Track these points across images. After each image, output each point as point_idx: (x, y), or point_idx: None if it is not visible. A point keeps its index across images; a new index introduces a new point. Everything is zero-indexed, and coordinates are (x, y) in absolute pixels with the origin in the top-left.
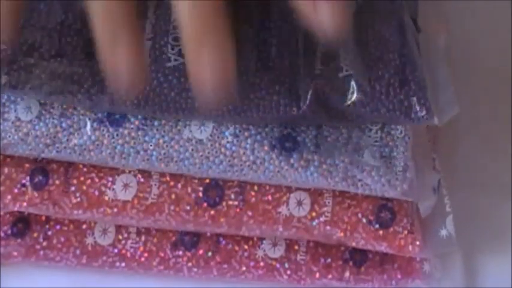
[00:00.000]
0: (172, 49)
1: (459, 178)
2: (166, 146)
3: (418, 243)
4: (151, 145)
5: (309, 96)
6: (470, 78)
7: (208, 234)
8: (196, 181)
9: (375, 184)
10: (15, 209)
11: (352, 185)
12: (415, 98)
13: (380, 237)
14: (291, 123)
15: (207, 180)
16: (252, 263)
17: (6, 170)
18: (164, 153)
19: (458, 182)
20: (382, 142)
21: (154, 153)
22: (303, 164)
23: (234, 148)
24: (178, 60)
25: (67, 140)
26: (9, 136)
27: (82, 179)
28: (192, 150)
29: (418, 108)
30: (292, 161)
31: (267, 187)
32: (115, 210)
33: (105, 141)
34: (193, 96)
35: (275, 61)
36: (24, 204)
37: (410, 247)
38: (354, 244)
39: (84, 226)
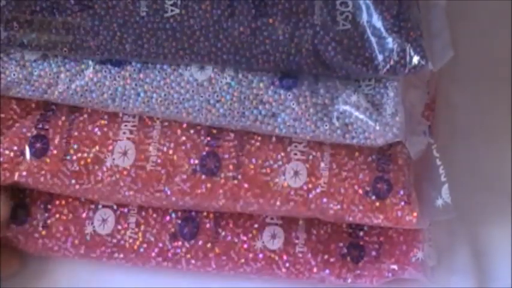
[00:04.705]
0: None
1: (459, 178)
2: (167, 87)
3: (415, 214)
4: (152, 87)
5: (307, 47)
6: (470, 78)
7: (208, 225)
8: (194, 151)
9: (369, 130)
10: (15, 178)
11: (346, 133)
12: (411, 47)
13: (377, 208)
14: (287, 68)
15: (204, 152)
16: (251, 255)
17: (4, 138)
18: (165, 95)
19: (458, 182)
20: (374, 90)
21: (154, 95)
22: (301, 100)
23: (234, 87)
24: (174, 11)
25: (69, 80)
26: (14, 74)
27: (81, 147)
28: (193, 92)
29: (412, 55)
30: (291, 96)
31: (264, 157)
32: (113, 178)
33: (107, 83)
34: (189, 44)
35: (273, 8)
36: (23, 173)
37: (407, 218)
38: (350, 219)
39: (83, 215)
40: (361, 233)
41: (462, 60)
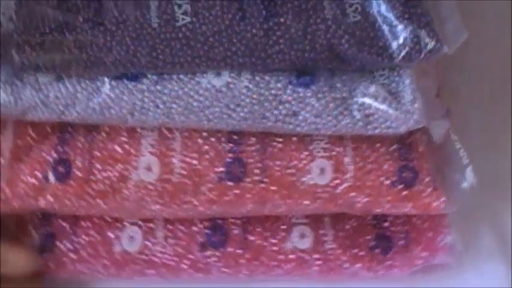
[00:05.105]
0: (180, 8)
1: None
2: (186, 96)
3: (442, 199)
4: (170, 97)
5: (321, 42)
6: (471, 78)
7: (236, 231)
8: (218, 158)
9: (390, 119)
10: (40, 205)
11: (368, 124)
12: (423, 31)
13: (405, 197)
14: (303, 65)
15: (228, 159)
16: (281, 257)
17: (25, 165)
18: (184, 105)
19: None
20: (389, 80)
21: (173, 105)
22: (320, 96)
23: (253, 90)
24: (185, 20)
25: (87, 99)
26: (30, 99)
27: (104, 167)
28: (212, 98)
29: (427, 40)
30: (310, 93)
31: (288, 158)
32: (139, 194)
33: (125, 98)
34: (204, 51)
35: (283, 7)
36: (49, 199)
37: (435, 204)
38: (379, 210)
39: (111, 235)
40: (386, 224)
41: (462, 60)
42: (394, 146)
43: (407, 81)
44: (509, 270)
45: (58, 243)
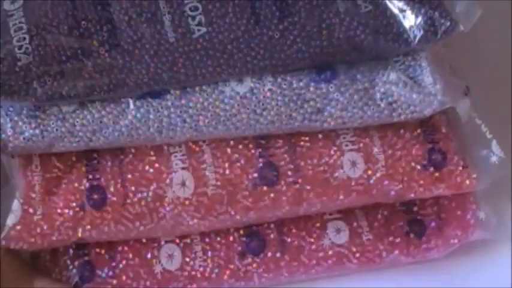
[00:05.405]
0: (194, 19)
1: None
2: (212, 107)
3: (474, 175)
4: (196, 110)
5: (337, 36)
6: (470, 78)
7: (273, 236)
8: (250, 165)
9: (414, 103)
10: (79, 235)
11: (393, 112)
12: (436, 13)
13: (437, 179)
14: (322, 61)
15: (260, 164)
16: (320, 254)
17: (58, 198)
18: (211, 115)
19: None
20: (405, 65)
21: (200, 117)
22: (343, 90)
23: (277, 92)
24: (201, 30)
25: (113, 123)
26: (56, 129)
27: (139, 188)
28: (238, 106)
29: (441, 21)
30: (333, 88)
31: (318, 156)
32: (176, 211)
33: (151, 116)
34: (225, 59)
35: (295, 6)
36: (87, 227)
37: (467, 182)
38: (412, 195)
39: (149, 255)
40: (415, 208)
41: (462, 60)
42: (418, 130)
43: (424, 64)
44: None
45: (98, 272)
